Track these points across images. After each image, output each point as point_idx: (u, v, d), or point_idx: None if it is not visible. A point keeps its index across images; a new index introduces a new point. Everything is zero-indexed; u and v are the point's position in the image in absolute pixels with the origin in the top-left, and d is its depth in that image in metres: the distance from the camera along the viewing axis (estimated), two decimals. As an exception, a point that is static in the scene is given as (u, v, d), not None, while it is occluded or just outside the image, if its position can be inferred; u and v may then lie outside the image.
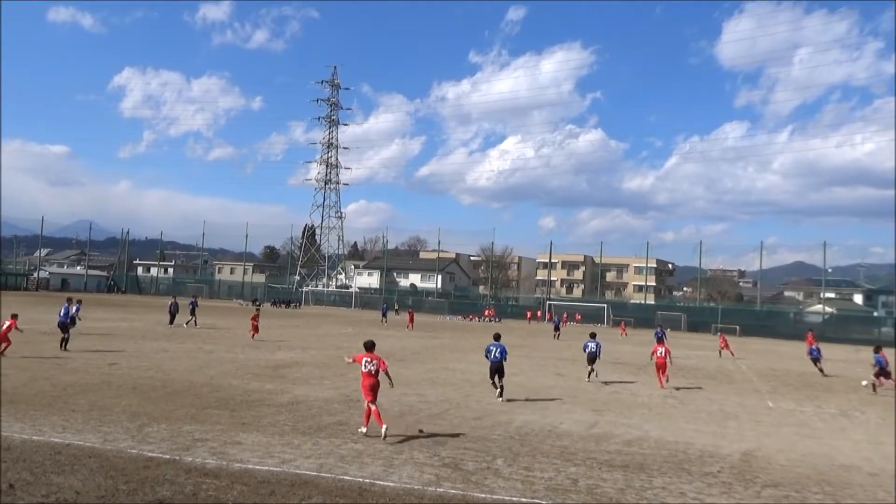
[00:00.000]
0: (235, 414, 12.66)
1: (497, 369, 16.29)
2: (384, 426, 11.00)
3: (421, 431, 11.67)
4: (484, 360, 17.34)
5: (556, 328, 46.79)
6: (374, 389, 11.37)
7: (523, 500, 8.29)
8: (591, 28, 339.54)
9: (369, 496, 8.03)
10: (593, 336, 20.99)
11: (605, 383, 20.65)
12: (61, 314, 22.39)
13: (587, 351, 20.63)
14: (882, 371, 22.36)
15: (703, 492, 9.09)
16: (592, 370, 20.86)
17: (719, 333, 42.11)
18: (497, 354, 16.33)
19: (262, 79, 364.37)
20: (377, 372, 11.50)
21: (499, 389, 16.19)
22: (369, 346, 11.92)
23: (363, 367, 11.52)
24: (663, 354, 20.27)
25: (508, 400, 16.06)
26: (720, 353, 35.33)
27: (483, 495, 8.34)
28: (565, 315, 66.82)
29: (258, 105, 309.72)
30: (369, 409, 11.30)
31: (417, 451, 10.45)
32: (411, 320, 47.67)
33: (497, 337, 17.01)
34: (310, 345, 28.64)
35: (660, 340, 23.24)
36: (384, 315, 53.68)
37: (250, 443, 10.36)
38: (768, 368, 29.41)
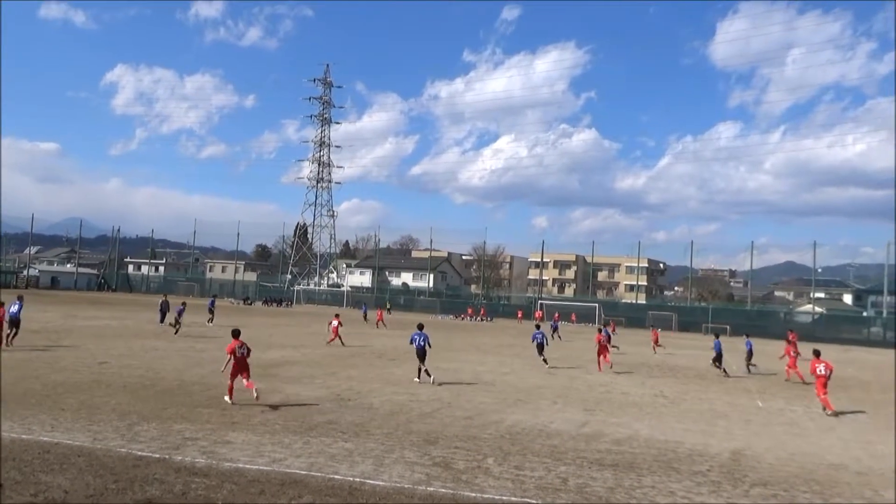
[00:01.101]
0: (226, 413, 12.63)
1: (421, 354, 18.48)
2: (254, 388, 13.65)
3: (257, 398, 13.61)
4: (475, 360, 17.75)
5: (555, 329, 42.87)
6: (246, 368, 13.85)
7: (513, 499, 8.31)
8: (585, 27, 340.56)
9: (359, 495, 8.03)
10: (538, 327, 23.49)
11: (549, 366, 23.54)
12: (13, 310, 21.96)
13: (535, 342, 22.89)
14: (718, 356, 25.87)
15: (692, 490, 9.13)
16: (544, 359, 23.87)
17: (652, 328, 42.49)
18: (420, 342, 18.64)
19: (256, 76, 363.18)
20: (248, 353, 14.04)
21: (422, 372, 18.33)
22: (236, 334, 14.26)
23: (237, 352, 13.76)
24: (605, 341, 24.40)
25: (500, 399, 16.10)
26: (654, 349, 35.26)
27: (473, 494, 8.35)
28: (557, 314, 66.88)
29: (251, 103, 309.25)
30: (232, 385, 13.67)
31: (408, 450, 10.46)
32: (380, 318, 47.53)
33: (420, 326, 19.43)
34: (301, 344, 28.59)
35: (599, 331, 26.40)
36: (365, 315, 53.11)
37: (240, 442, 10.35)
38: (761, 368, 29.50)
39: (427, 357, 18.71)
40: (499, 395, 17.07)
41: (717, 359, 25.84)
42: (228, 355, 13.83)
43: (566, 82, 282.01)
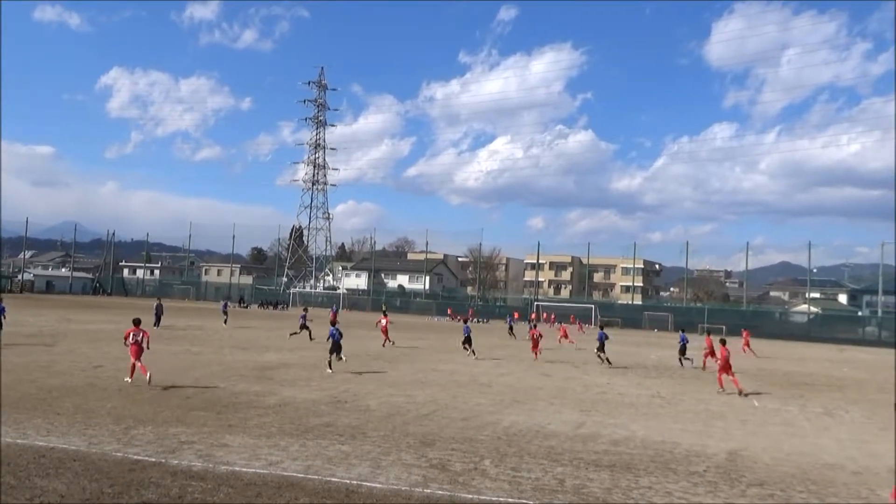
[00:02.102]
0: (222, 416, 12.61)
1: (337, 347, 20.87)
2: (148, 374, 15.46)
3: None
4: (471, 361, 17.68)
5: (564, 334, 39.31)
6: (139, 353, 15.85)
7: (510, 500, 8.31)
8: (581, 28, 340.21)
9: (356, 498, 8.02)
10: (465, 321, 25.69)
11: (476, 357, 26.41)
12: None
13: (332, 338, 23.69)
14: (683, 348, 28.08)
15: (689, 491, 9.14)
16: (471, 350, 27.31)
17: (560, 325, 43.50)
18: (336, 336, 20.98)
19: (252, 79, 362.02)
20: (142, 340, 15.99)
21: (340, 360, 20.87)
22: (137, 322, 16.39)
23: (131, 338, 15.86)
24: (537, 337, 27.64)
25: (497, 400, 16.10)
26: (560, 340, 36.90)
27: (470, 496, 8.35)
28: (553, 316, 66.91)
29: (247, 105, 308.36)
30: (134, 365, 15.77)
31: (405, 452, 10.46)
32: (333, 318, 47.22)
33: (333, 322, 22.27)
34: (297, 346, 28.55)
35: (534, 327, 29.95)
36: (336, 314, 51.92)
37: (237, 445, 10.33)
38: (754, 368, 29.60)
39: (342, 347, 21.26)
40: (495, 396, 17.07)
41: (682, 351, 28.10)
42: (124, 339, 16.21)
43: (562, 83, 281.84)
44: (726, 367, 19.97)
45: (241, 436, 10.97)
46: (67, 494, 7.57)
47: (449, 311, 73.78)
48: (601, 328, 29.50)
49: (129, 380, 15.76)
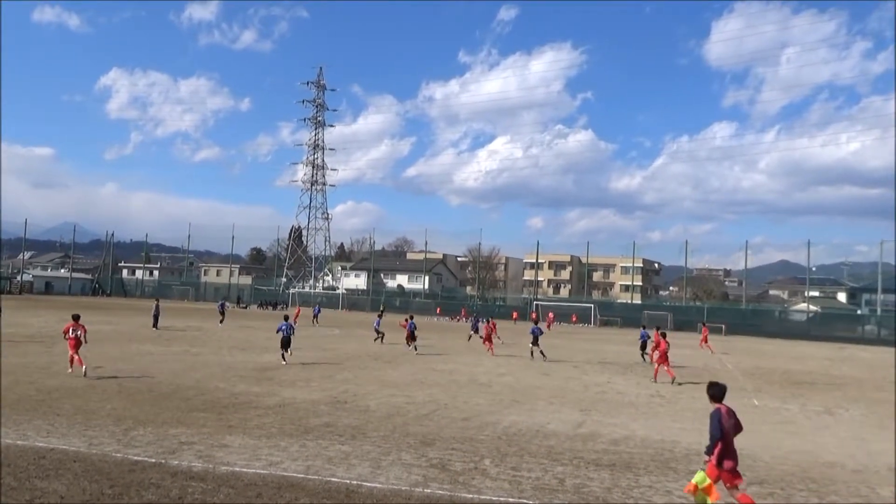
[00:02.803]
0: (222, 417, 12.60)
1: (286, 342, 22.46)
2: (84, 367, 16.52)
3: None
4: (471, 361, 17.82)
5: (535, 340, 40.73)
6: (77, 346, 16.96)
7: (510, 500, 8.31)
8: (581, 28, 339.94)
9: (357, 498, 8.02)
10: (286, 318, 25.50)
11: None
12: None
13: (281, 332, 24.24)
14: (643, 344, 28.78)
15: (689, 490, 9.14)
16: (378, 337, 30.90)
17: (485, 321, 44.93)
18: (286, 331, 22.55)
19: (251, 79, 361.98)
20: (81, 335, 17.09)
21: (288, 354, 22.41)
22: (76, 318, 17.60)
23: (70, 333, 16.98)
24: (488, 333, 29.74)
25: (496, 401, 16.10)
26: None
27: (470, 496, 8.35)
28: (551, 315, 66.94)
29: (246, 106, 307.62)
30: (73, 357, 16.88)
31: (405, 452, 10.46)
32: (296, 316, 47.42)
33: (286, 318, 23.88)
34: (296, 346, 28.53)
35: (477, 324, 34.30)
36: (315, 316, 50.73)
37: (237, 445, 10.33)
38: (754, 367, 29.62)
39: (291, 344, 22.86)
40: (495, 396, 17.08)
41: (643, 347, 29.04)
42: (64, 334, 17.37)
43: (562, 83, 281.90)
44: (663, 359, 21.82)
45: (241, 436, 10.97)
46: (67, 496, 7.56)
47: (463, 312, 73.23)
48: (643, 328, 31.38)
49: (70, 370, 16.97)
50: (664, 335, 22.97)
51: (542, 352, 27.45)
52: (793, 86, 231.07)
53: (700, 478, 7.46)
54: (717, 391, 8.09)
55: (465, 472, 9.45)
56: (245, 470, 8.93)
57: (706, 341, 38.62)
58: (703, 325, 42.98)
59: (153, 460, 9.16)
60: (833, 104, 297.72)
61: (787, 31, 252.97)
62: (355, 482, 8.61)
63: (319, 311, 54.25)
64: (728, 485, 7.60)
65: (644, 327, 32.51)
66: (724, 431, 7.61)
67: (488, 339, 29.54)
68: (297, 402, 14.68)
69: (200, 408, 13.39)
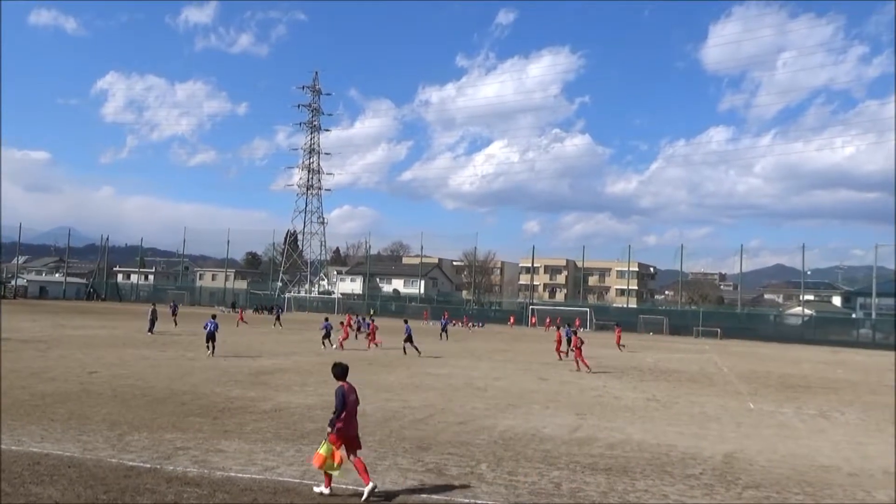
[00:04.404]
0: (217, 422, 12.57)
1: (211, 336, 24.50)
2: None
3: None
4: (467, 365, 17.93)
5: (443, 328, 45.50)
6: None
7: (507, 504, 8.30)
8: (579, 31, 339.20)
9: (353, 502, 8.00)
10: (213, 316, 26.83)
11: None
12: None
13: (207, 329, 25.45)
14: (569, 341, 29.82)
15: (685, 494, 9.15)
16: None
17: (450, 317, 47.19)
18: (212, 328, 24.65)
19: (248, 83, 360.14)
20: None
21: (211, 350, 24.27)
22: None
23: None
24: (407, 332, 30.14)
25: (492, 404, 16.09)
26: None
27: (467, 500, 8.34)
28: (548, 319, 66.95)
29: (243, 110, 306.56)
30: None
31: (401, 456, 10.44)
32: (241, 317, 47.91)
33: (214, 316, 26.05)
34: (292, 351, 28.50)
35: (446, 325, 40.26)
36: (278, 318, 50.48)
37: (232, 450, 10.30)
38: (749, 370, 29.68)
39: (216, 339, 24.77)
40: (491, 400, 17.07)
41: (568, 343, 30.15)
42: None
43: (559, 87, 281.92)
44: (579, 353, 25.82)
45: (236, 441, 10.94)
46: (62, 501, 7.53)
47: (425, 314, 73.57)
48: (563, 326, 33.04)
49: None
50: (575, 332, 27.07)
51: (416, 347, 28.93)
52: (789, 90, 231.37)
53: (326, 449, 8.22)
54: (339, 370, 9.05)
55: (461, 476, 9.44)
56: (240, 475, 8.90)
57: (619, 341, 39.69)
58: (616, 325, 44.45)
59: (148, 465, 9.13)
60: (829, 108, 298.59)
61: (783, 36, 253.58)
62: (351, 487, 8.58)
63: (280, 312, 55.29)
64: (347, 452, 8.41)
65: (569, 325, 34.77)
66: (347, 405, 8.51)
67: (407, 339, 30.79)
68: (292, 406, 14.65)
69: (196, 412, 13.35)
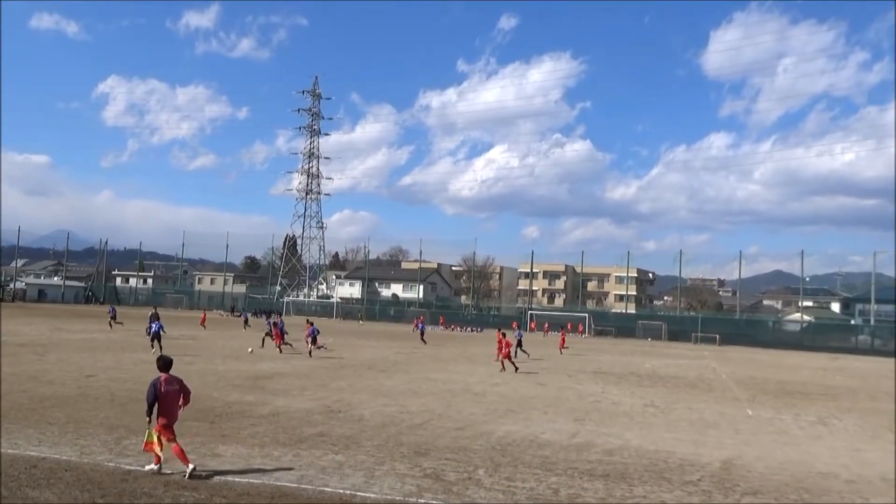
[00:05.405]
0: (215, 426, 12.56)
1: (156, 336, 26.19)
2: None
3: None
4: (466, 371, 18.73)
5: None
6: None
7: (505, 510, 8.29)
8: (581, 38, 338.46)
9: (350, 508, 7.99)
10: (154, 317, 29.05)
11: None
12: None
13: (151, 331, 27.37)
14: (519, 343, 32.92)
15: (683, 500, 9.14)
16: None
17: (561, 329, 47.45)
18: (155, 327, 26.47)
19: (249, 87, 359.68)
20: None
21: (155, 349, 25.10)
22: None
23: None
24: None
25: (490, 410, 16.07)
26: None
27: (464, 506, 8.32)
28: (547, 325, 67.01)
29: (243, 114, 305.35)
30: None
31: (399, 462, 10.43)
32: (203, 321, 47.78)
33: (157, 317, 28.06)
34: (290, 356, 28.46)
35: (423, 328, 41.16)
36: (246, 322, 49.31)
37: (230, 455, 10.28)
38: (748, 377, 29.66)
39: (162, 339, 26.42)
40: (489, 405, 17.05)
41: (519, 344, 32.65)
42: None
43: (561, 92, 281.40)
44: (507, 354, 26.21)
45: (234, 445, 10.93)
46: (59, 505, 7.51)
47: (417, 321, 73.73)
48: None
49: None
50: (504, 334, 27.90)
51: (321, 346, 29.70)
52: (789, 96, 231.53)
53: (150, 436, 9.09)
54: (162, 363, 9.71)
55: (459, 482, 9.43)
56: (238, 479, 8.88)
57: (563, 344, 40.29)
58: (562, 329, 45.38)
59: (146, 469, 9.10)
60: (829, 114, 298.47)
61: (784, 41, 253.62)
62: (349, 492, 8.57)
63: (247, 315, 54.96)
64: (165, 438, 9.02)
65: (519, 327, 37.41)
66: (160, 396, 9.10)
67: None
68: (290, 411, 14.63)
69: (193, 416, 13.31)
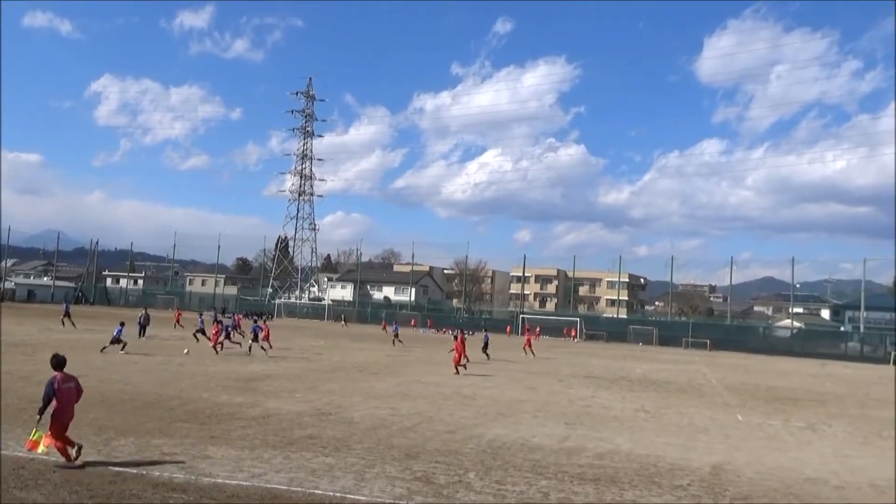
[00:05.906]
0: (205, 427, 12.50)
1: (117, 339, 25.93)
2: None
3: None
4: (459, 375, 21.92)
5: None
6: None
7: (495, 513, 8.28)
8: (576, 42, 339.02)
9: (340, 510, 7.98)
10: (122, 324, 27.76)
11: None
12: None
13: (116, 334, 26.87)
14: (485, 345, 34.16)
15: (672, 505, 9.16)
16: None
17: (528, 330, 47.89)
18: (118, 333, 26.16)
19: (242, 88, 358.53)
20: None
21: (118, 348, 25.49)
22: None
23: None
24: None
25: (482, 413, 16.07)
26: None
27: (455, 509, 8.32)
28: (539, 328, 67.04)
29: (237, 115, 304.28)
30: None
31: (389, 464, 10.41)
32: (177, 320, 47.95)
33: (122, 324, 27.21)
34: (281, 357, 28.39)
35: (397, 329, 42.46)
36: (142, 329, 35.43)
37: (220, 457, 10.24)
38: (738, 382, 29.76)
39: (120, 343, 25.88)
40: (480, 409, 17.05)
41: (485, 347, 33.80)
42: None
43: (555, 97, 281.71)
44: (457, 359, 26.20)
45: (224, 447, 10.88)
46: (46, 506, 7.47)
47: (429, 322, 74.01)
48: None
49: None
50: (456, 336, 27.79)
51: (262, 347, 29.43)
52: (782, 103, 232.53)
53: (38, 435, 9.10)
54: (55, 362, 9.69)
55: (450, 485, 9.42)
56: (227, 482, 8.85)
57: (529, 345, 40.03)
58: (528, 329, 46.67)
59: (134, 471, 9.06)
60: (821, 122, 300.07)
61: (777, 49, 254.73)
62: (339, 494, 8.56)
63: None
64: (53, 435, 9.11)
65: (486, 330, 39.44)
66: (57, 394, 9.18)
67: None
68: (280, 413, 14.59)
69: (183, 418, 13.27)
